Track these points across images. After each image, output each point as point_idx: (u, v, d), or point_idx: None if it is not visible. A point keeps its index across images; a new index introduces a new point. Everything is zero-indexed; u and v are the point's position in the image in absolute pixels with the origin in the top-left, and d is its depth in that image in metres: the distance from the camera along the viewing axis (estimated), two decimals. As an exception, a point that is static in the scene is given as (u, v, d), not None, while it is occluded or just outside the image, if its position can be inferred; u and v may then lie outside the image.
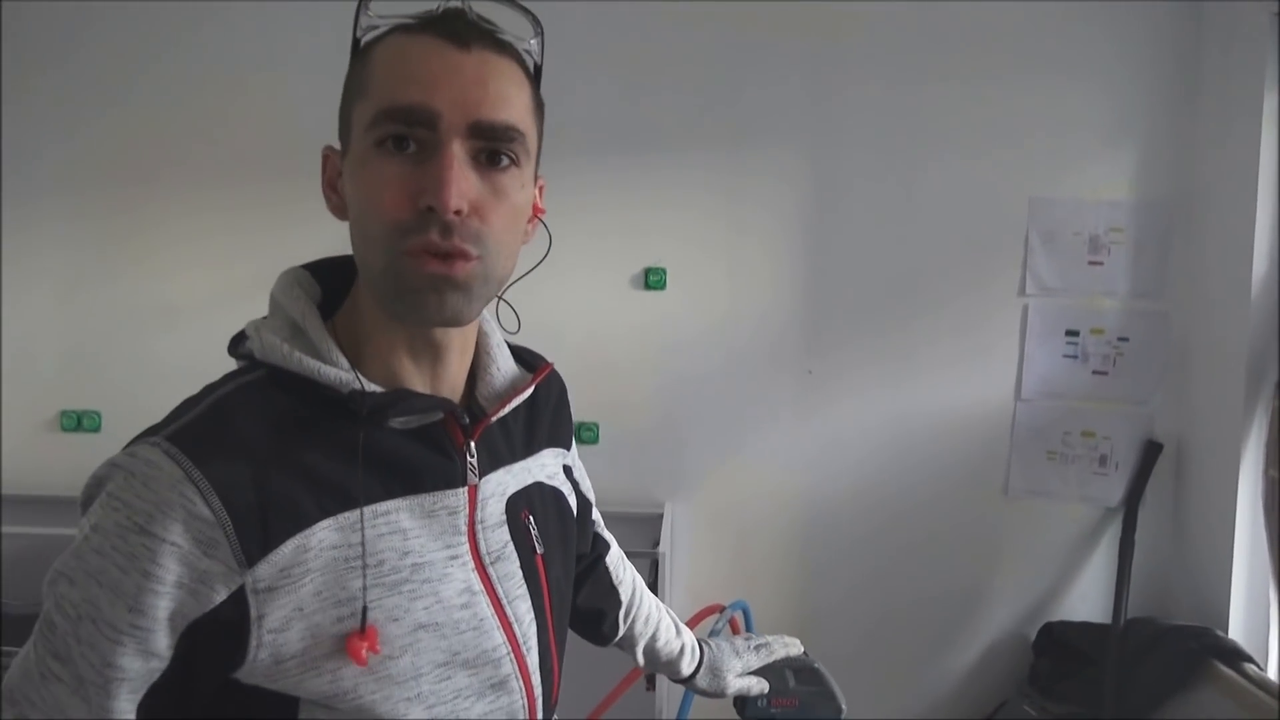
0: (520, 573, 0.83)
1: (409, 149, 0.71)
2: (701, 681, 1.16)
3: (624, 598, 1.12)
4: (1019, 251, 2.37)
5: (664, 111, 2.37)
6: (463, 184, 0.70)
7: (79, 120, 2.41)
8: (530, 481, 0.88)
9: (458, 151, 0.70)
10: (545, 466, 0.92)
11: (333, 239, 2.35)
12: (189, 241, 2.44)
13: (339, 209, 0.79)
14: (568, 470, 0.97)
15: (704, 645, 1.18)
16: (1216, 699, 1.98)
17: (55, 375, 2.46)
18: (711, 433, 2.43)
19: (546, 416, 0.93)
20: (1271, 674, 2.00)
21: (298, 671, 0.70)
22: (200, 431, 0.70)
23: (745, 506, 2.45)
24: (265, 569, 0.68)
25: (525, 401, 0.87)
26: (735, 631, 1.33)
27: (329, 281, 0.82)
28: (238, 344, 0.80)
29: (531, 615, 0.83)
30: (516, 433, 0.88)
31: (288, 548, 0.69)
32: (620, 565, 1.13)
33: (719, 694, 1.16)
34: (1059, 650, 2.30)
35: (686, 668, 1.16)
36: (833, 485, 2.44)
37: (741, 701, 1.18)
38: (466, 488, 0.79)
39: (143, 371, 2.44)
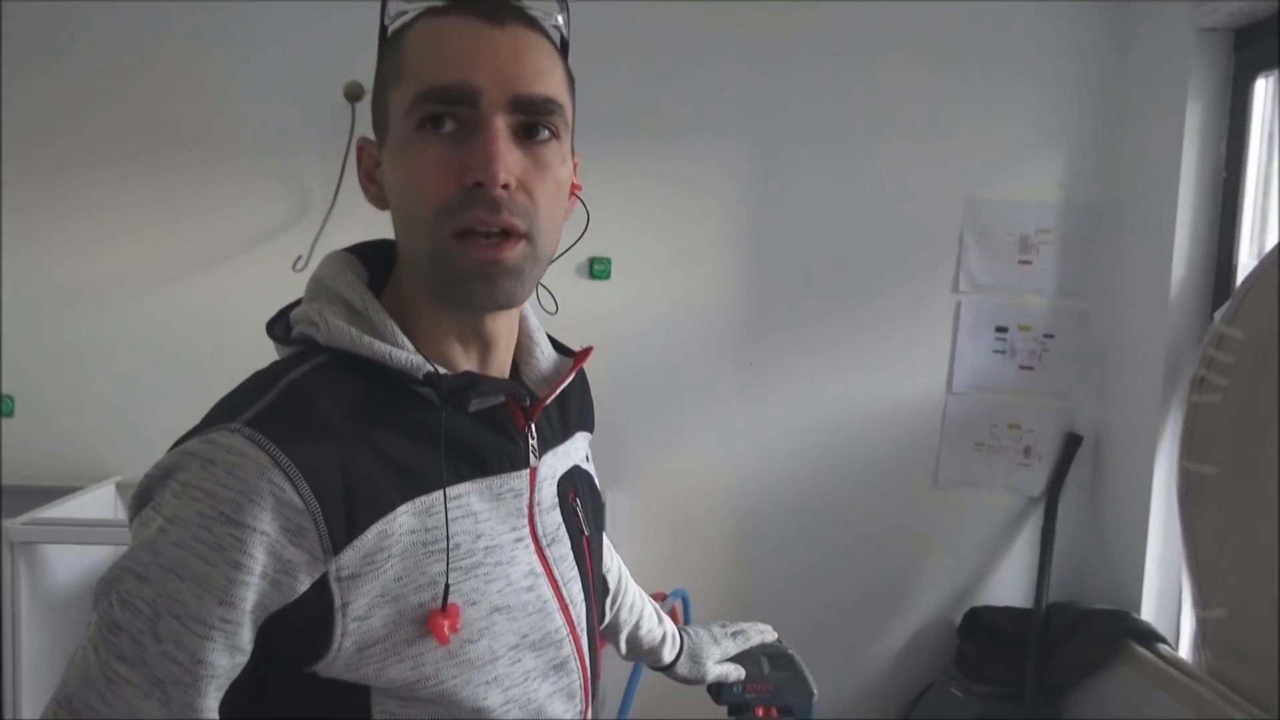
0: (572, 555, 0.84)
1: (448, 128, 0.71)
2: (682, 669, 1.17)
3: (611, 585, 1.12)
4: (954, 249, 2.45)
5: (609, 103, 2.36)
6: (509, 158, 0.70)
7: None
8: (571, 465, 0.89)
9: (501, 125, 0.70)
10: (580, 450, 0.93)
11: (264, 220, 2.31)
12: (100, 221, 2.34)
13: (379, 199, 0.78)
14: (588, 456, 0.98)
15: (684, 633, 1.20)
16: (1132, 677, 2.09)
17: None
18: (654, 422, 2.45)
19: (575, 400, 0.94)
20: (1183, 653, 2.13)
21: (380, 658, 0.68)
22: (282, 416, 0.68)
23: (686, 495, 2.47)
24: (350, 555, 0.67)
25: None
26: (675, 620, 1.35)
27: (371, 265, 0.81)
28: (275, 326, 0.79)
29: (583, 597, 0.85)
30: (555, 416, 0.89)
31: (371, 534, 0.68)
32: (608, 553, 1.13)
33: (699, 681, 1.18)
34: (983, 633, 2.40)
35: (668, 656, 1.17)
36: (771, 475, 2.48)
37: (717, 688, 1.20)
38: (528, 470, 0.80)
39: (58, 354, 2.35)
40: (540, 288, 0.84)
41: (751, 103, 2.40)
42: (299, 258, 2.31)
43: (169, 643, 0.63)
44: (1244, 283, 1.96)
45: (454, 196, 0.70)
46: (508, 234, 0.70)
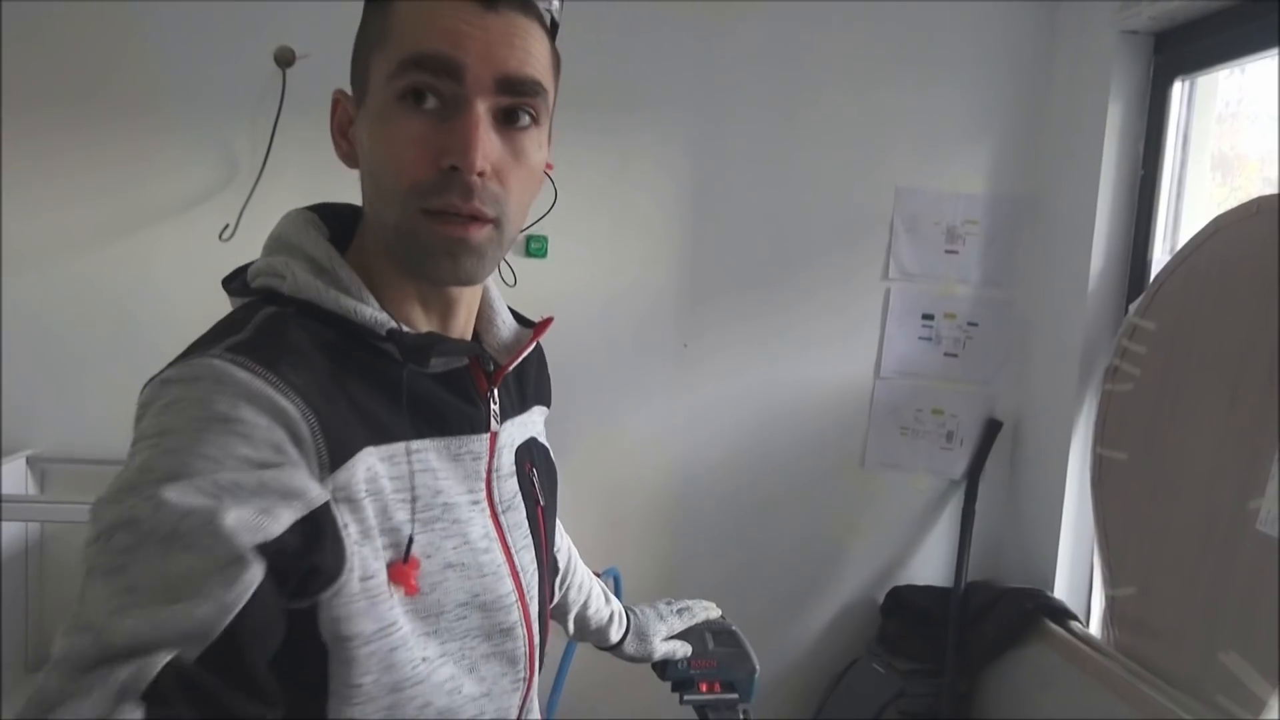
0: (527, 524, 0.85)
1: (430, 104, 0.70)
2: (629, 648, 1.18)
3: (561, 564, 1.12)
4: (885, 237, 2.51)
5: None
6: (487, 145, 0.70)
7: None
8: (528, 436, 0.90)
9: (482, 111, 0.70)
10: (537, 423, 0.94)
11: (190, 186, 2.27)
12: (24, 180, 2.22)
13: (349, 156, 0.78)
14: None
15: (630, 612, 1.21)
16: (1045, 653, 2.18)
17: None
18: (588, 401, 2.45)
19: (533, 375, 0.95)
20: (1093, 630, 2.23)
21: (359, 596, 0.67)
22: (260, 344, 0.67)
23: (618, 474, 2.48)
24: (344, 476, 0.66)
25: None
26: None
27: (331, 225, 0.80)
28: (234, 280, 0.77)
29: (535, 566, 0.85)
30: (514, 388, 0.90)
31: (358, 463, 0.67)
32: (559, 533, 1.14)
33: (646, 659, 1.19)
34: (905, 612, 2.47)
35: (615, 635, 1.18)
36: (702, 456, 2.51)
37: (663, 664, 1.21)
38: (488, 434, 0.81)
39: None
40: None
41: (688, 86, 2.41)
42: (226, 226, 2.24)
43: (189, 537, 0.57)
44: (1157, 277, 2.05)
45: (428, 178, 0.70)
46: (475, 218, 0.71)
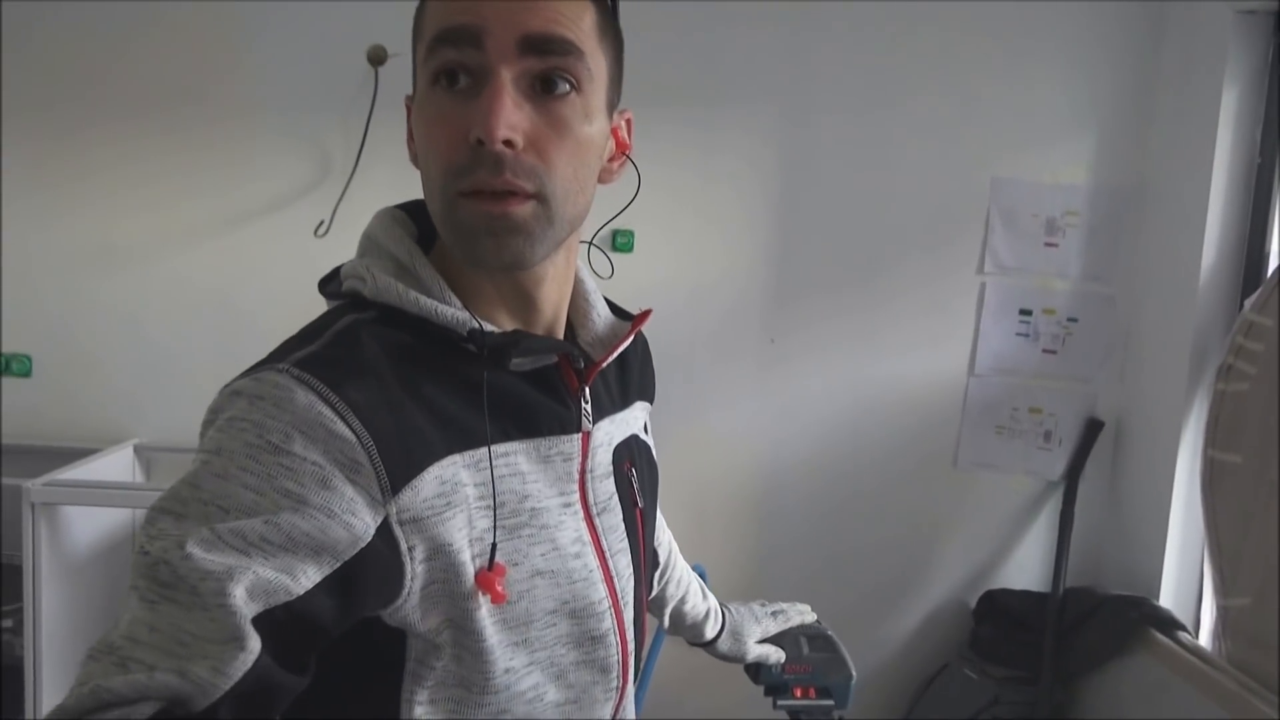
0: (623, 526, 0.82)
1: (461, 84, 0.68)
2: (723, 646, 1.17)
3: (661, 558, 1.11)
4: (980, 230, 2.43)
5: (631, 69, 2.32)
6: (512, 114, 0.66)
7: (8, 48, 2.24)
8: (629, 433, 0.88)
9: (506, 79, 0.67)
10: (639, 419, 0.91)
11: (285, 184, 2.29)
12: (115, 182, 2.31)
13: (415, 158, 0.76)
14: (646, 426, 0.96)
15: (725, 611, 1.19)
16: (1150, 664, 2.10)
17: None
18: (675, 397, 2.43)
19: (636, 369, 0.92)
20: (1203, 641, 2.13)
21: (438, 597, 0.68)
22: (330, 359, 0.66)
23: (705, 470, 2.46)
24: (409, 496, 0.65)
25: (619, 353, 0.85)
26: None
27: (422, 223, 0.78)
28: (328, 283, 0.77)
29: (631, 570, 0.83)
30: (614, 383, 0.87)
31: (429, 476, 0.66)
32: (661, 527, 1.12)
33: (739, 659, 1.17)
34: (999, 616, 2.40)
35: (710, 632, 1.16)
36: (790, 452, 2.47)
37: (756, 668, 1.19)
38: (580, 434, 0.78)
39: (76, 315, 2.33)
40: (593, 248, 0.83)
41: (779, 75, 2.37)
42: (321, 223, 2.29)
43: (211, 551, 0.58)
44: (1276, 271, 1.94)
45: (461, 157, 0.67)
46: (511, 192, 0.68)
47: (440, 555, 0.67)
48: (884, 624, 2.53)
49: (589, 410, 0.79)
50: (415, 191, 0.87)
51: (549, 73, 0.68)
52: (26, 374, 2.30)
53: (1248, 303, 2.02)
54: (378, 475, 0.63)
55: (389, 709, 0.70)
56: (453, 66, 0.67)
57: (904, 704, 2.51)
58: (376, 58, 2.26)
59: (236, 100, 2.30)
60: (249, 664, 0.57)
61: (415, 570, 0.66)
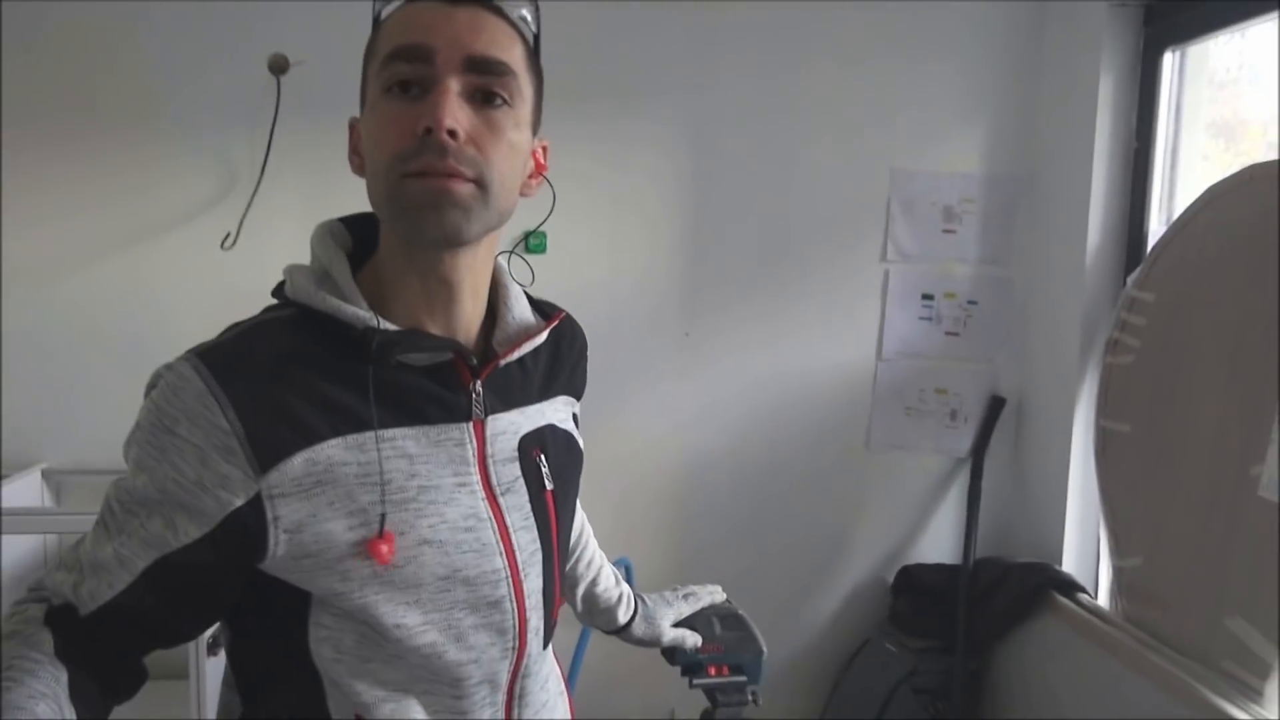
0: (529, 505, 0.90)
1: (412, 92, 0.78)
2: (637, 631, 1.20)
3: (573, 539, 1.15)
4: (881, 220, 2.51)
5: (547, 74, 2.35)
6: (457, 111, 0.77)
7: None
8: (544, 423, 0.95)
9: (453, 87, 0.78)
10: (558, 411, 0.99)
11: (189, 196, 2.31)
12: (16, 200, 2.25)
13: (361, 168, 0.85)
14: (575, 419, 1.04)
15: (638, 598, 1.22)
16: (1055, 626, 2.20)
17: None
18: (592, 394, 2.45)
19: (567, 366, 1.01)
20: (1101, 601, 2.24)
21: (312, 569, 0.79)
22: (228, 352, 0.79)
23: (626, 465, 2.50)
24: (277, 476, 0.77)
25: (549, 350, 0.97)
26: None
27: (360, 234, 0.89)
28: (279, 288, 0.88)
29: (536, 545, 0.90)
30: (536, 377, 0.95)
31: (297, 459, 0.77)
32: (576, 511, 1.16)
33: (654, 642, 1.21)
34: (916, 590, 2.49)
35: (623, 616, 1.20)
36: (709, 443, 2.53)
37: (671, 651, 1.23)
38: (471, 423, 0.86)
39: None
40: (513, 255, 0.90)
41: (684, 78, 2.42)
42: (227, 235, 2.25)
43: (127, 513, 0.78)
44: (1154, 248, 2.06)
45: (408, 146, 0.77)
46: (453, 175, 0.77)
47: (309, 524, 0.78)
48: (808, 605, 2.60)
49: (480, 401, 0.87)
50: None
51: (487, 86, 0.80)
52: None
53: (1130, 279, 2.13)
54: (248, 458, 0.76)
55: (300, 651, 0.82)
56: (406, 78, 0.78)
57: (830, 680, 2.59)
58: (278, 66, 2.24)
59: (134, 108, 2.25)
60: (118, 590, 0.76)
61: (279, 535, 0.78)
